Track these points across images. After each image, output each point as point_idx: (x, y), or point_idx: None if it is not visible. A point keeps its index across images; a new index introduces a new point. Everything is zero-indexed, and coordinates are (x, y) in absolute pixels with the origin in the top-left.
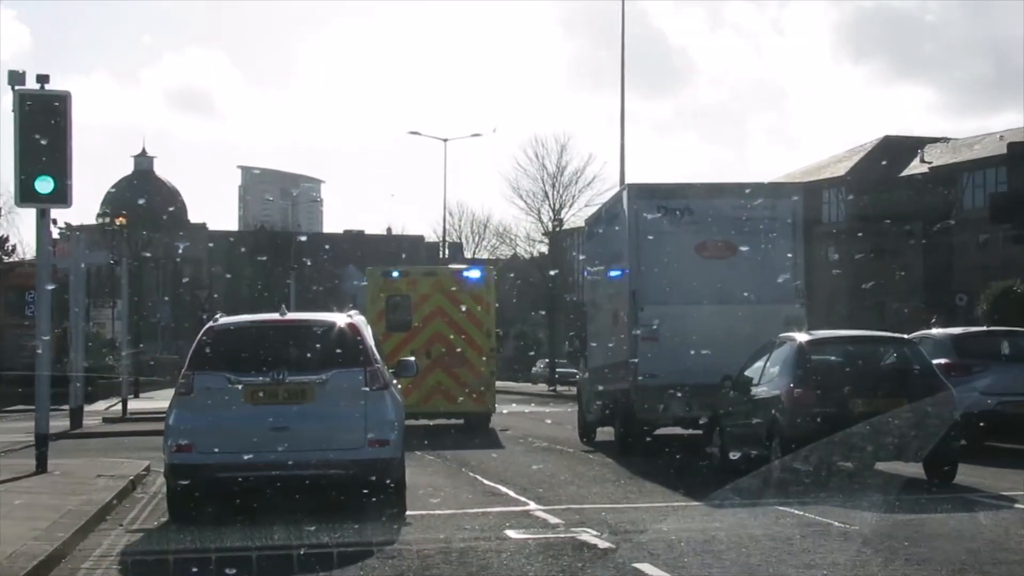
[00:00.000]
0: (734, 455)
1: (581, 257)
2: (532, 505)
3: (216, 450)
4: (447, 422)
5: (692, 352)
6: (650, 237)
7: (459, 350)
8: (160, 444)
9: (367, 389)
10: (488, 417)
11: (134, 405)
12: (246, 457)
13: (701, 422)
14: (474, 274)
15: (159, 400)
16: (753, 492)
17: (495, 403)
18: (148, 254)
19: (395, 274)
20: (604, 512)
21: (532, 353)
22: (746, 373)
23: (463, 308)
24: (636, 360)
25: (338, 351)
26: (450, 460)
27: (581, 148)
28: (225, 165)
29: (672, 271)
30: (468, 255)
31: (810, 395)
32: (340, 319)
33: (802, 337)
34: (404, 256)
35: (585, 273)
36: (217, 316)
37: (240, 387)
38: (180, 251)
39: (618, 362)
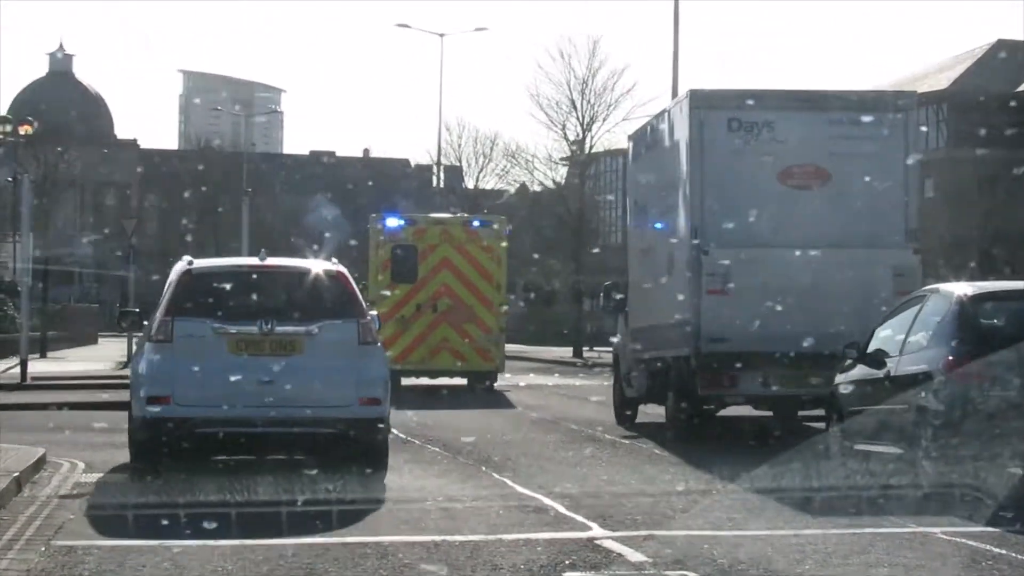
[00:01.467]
0: (862, 448)
1: (623, 185)
2: (596, 529)
3: (197, 403)
4: (449, 381)
5: (771, 309)
6: (718, 160)
7: (468, 304)
8: (73, 422)
9: (359, 343)
10: (495, 375)
11: (38, 368)
12: (230, 411)
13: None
14: (485, 224)
15: (71, 362)
16: (902, 507)
17: (504, 362)
18: (63, 175)
19: (401, 222)
20: (705, 543)
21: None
22: (879, 338)
23: (472, 259)
24: (698, 319)
25: (329, 301)
26: (463, 453)
27: (617, 54)
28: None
29: (746, 204)
30: (470, 182)
31: (976, 371)
32: (328, 266)
33: (961, 290)
34: (386, 185)
35: (629, 205)
36: (186, 258)
37: (225, 336)
38: (103, 173)
39: (672, 321)
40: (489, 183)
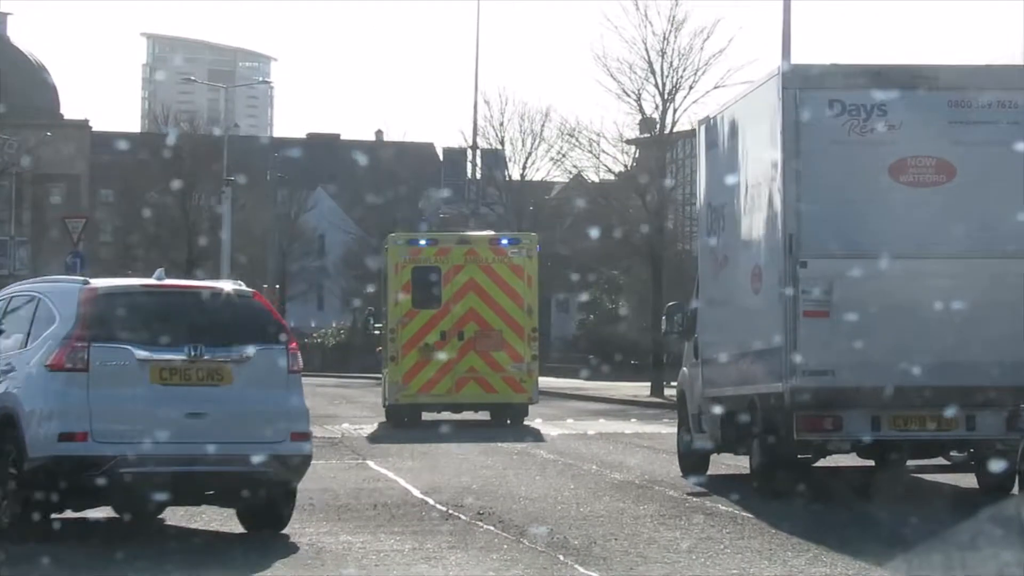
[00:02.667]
0: None
1: (696, 180)
2: None
3: (119, 440)
4: (475, 416)
5: (885, 334)
6: (817, 151)
7: (496, 330)
8: None
9: (287, 372)
10: (527, 408)
11: None
12: (157, 449)
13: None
14: (514, 242)
15: None
16: None
17: (537, 393)
18: None
19: (422, 242)
20: None
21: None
22: None
23: (501, 281)
24: (793, 347)
25: (256, 325)
26: (527, 535)
27: (706, 4)
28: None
29: (852, 205)
30: (515, 170)
31: None
32: (241, 288)
33: None
34: (405, 175)
35: (700, 206)
36: (80, 279)
37: (148, 364)
38: (46, 161)
39: (758, 350)
40: (540, 171)
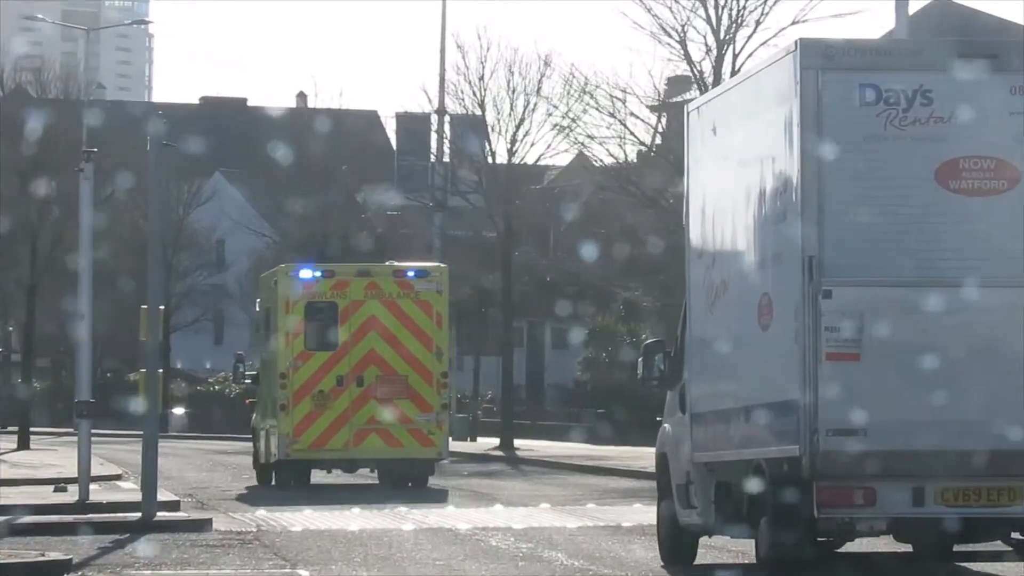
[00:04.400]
0: None
1: (685, 184)
2: None
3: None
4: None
5: (930, 382)
6: (844, 149)
7: (401, 375)
8: None
9: None
10: (433, 466)
11: None
12: None
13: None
14: (422, 275)
15: None
16: None
17: (448, 447)
18: None
19: (316, 274)
20: None
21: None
22: None
23: (407, 319)
24: (814, 399)
25: None
26: None
27: None
28: None
29: (890, 218)
30: (500, 142)
31: None
32: None
33: None
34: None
35: (689, 214)
36: None
37: None
38: None
39: (767, 403)
40: (537, 146)
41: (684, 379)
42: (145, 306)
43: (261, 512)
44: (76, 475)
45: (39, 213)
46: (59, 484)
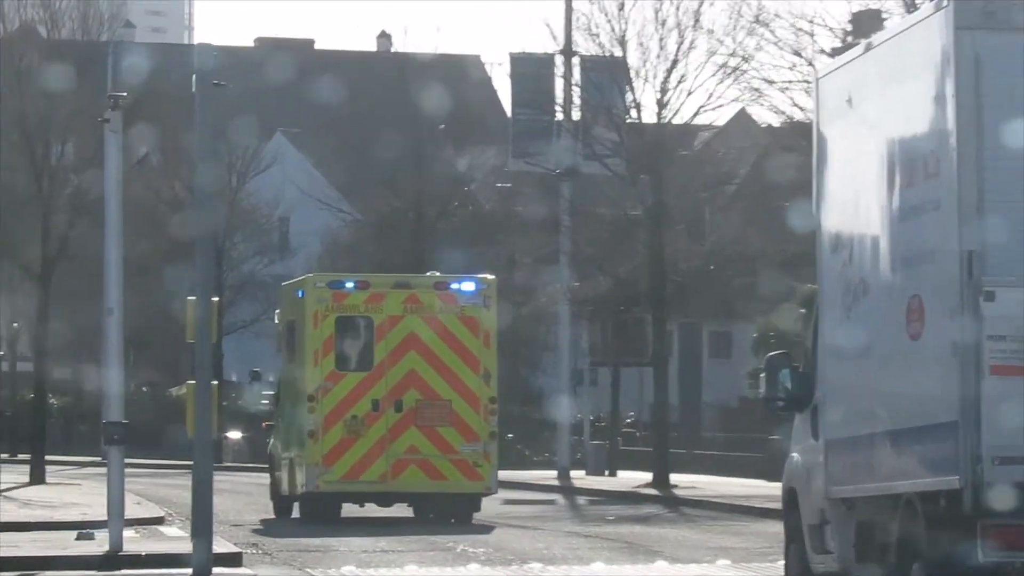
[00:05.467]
0: None
1: (814, 166)
2: None
3: None
4: (399, 513)
5: None
6: (1009, 123)
7: (444, 400)
8: None
9: None
10: (479, 502)
11: None
12: None
13: None
14: (467, 287)
15: None
16: None
17: (496, 480)
18: None
19: (348, 285)
20: None
21: None
22: None
23: (450, 337)
24: (976, 419)
25: None
26: None
27: None
28: None
29: None
30: (648, 91)
31: None
32: None
33: None
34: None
35: (819, 203)
36: None
37: None
38: None
39: (917, 426)
40: (695, 96)
41: (816, 399)
42: (193, 297)
43: (349, 568)
44: (106, 517)
45: (52, 181)
46: (84, 530)
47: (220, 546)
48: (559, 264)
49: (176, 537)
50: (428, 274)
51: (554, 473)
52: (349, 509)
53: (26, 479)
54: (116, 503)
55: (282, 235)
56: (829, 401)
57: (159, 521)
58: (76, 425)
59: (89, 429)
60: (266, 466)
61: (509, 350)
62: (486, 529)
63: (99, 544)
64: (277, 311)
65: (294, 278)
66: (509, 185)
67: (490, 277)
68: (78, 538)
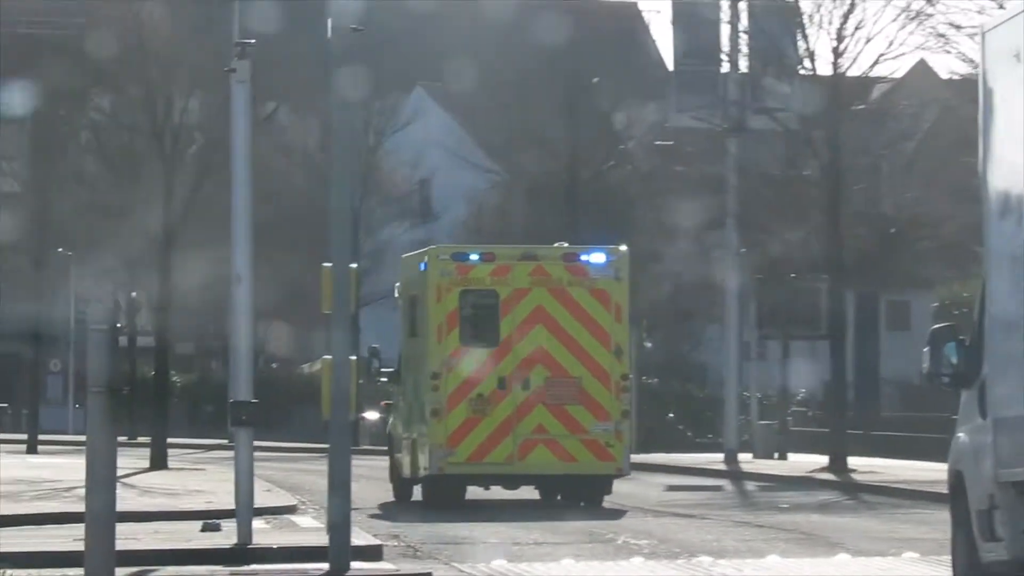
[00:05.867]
0: None
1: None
2: None
3: None
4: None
5: None
6: None
7: (574, 377)
8: None
9: None
10: (611, 484)
11: None
12: None
13: None
14: (597, 258)
15: None
16: None
17: (629, 462)
18: None
19: (473, 257)
20: None
21: None
22: None
23: (580, 311)
24: None
25: None
26: None
27: None
28: None
29: None
30: (822, 38)
31: None
32: None
33: None
34: (591, 55)
35: (988, 166)
36: None
37: None
38: None
39: None
40: (875, 43)
41: (983, 374)
42: (329, 264)
43: (500, 563)
44: (233, 506)
45: (175, 140)
46: (209, 520)
47: (358, 538)
48: (725, 228)
49: (310, 528)
50: (556, 245)
51: (719, 456)
52: (474, 493)
53: (146, 464)
54: (244, 491)
55: (423, 198)
56: (997, 377)
57: (291, 510)
58: (201, 405)
59: (215, 409)
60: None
61: (668, 323)
62: (617, 514)
63: (226, 536)
64: (397, 284)
65: (437, 244)
66: (670, 143)
67: (622, 248)
68: (203, 529)
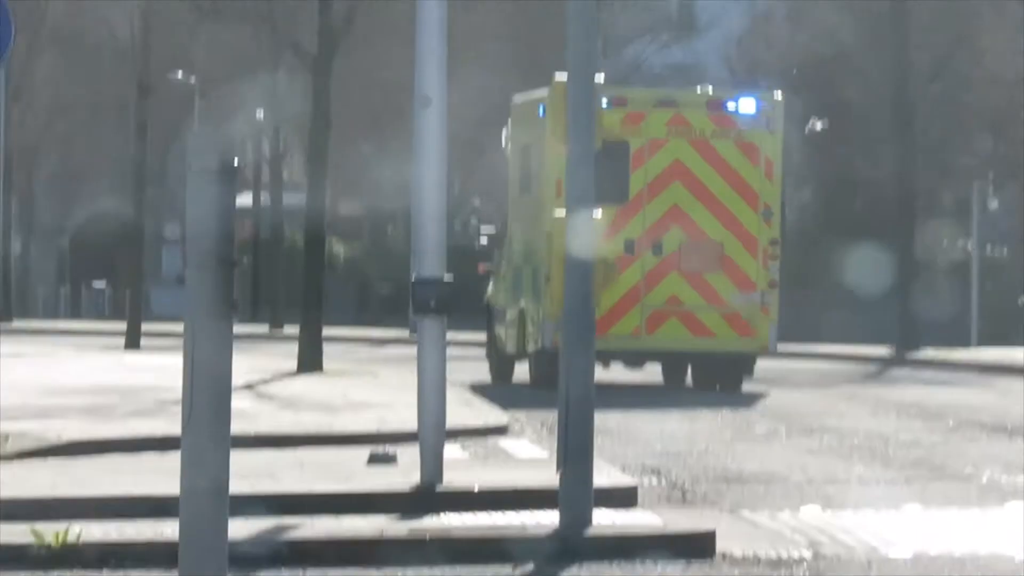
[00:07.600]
0: None
1: None
2: None
3: None
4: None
5: None
6: None
7: (715, 242)
8: None
9: None
10: (753, 363)
11: None
12: None
13: None
14: (747, 106)
15: None
16: None
17: (776, 339)
18: None
19: (601, 100)
20: None
21: None
22: None
23: (725, 167)
24: None
25: None
26: None
27: None
28: None
29: None
30: None
31: None
32: None
33: None
34: None
35: None
36: None
37: None
38: None
39: None
40: None
41: None
42: (563, 76)
43: (812, 510)
44: (415, 428)
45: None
46: (380, 448)
47: (600, 474)
48: None
49: (529, 460)
50: (699, 89)
51: None
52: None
53: (293, 366)
54: (432, 405)
55: (683, 4)
56: None
57: (500, 431)
58: (372, 287)
59: (391, 291)
60: None
61: None
62: (757, 397)
63: (404, 472)
64: (504, 131)
65: (698, 67)
66: None
67: (776, 94)
68: (370, 461)
